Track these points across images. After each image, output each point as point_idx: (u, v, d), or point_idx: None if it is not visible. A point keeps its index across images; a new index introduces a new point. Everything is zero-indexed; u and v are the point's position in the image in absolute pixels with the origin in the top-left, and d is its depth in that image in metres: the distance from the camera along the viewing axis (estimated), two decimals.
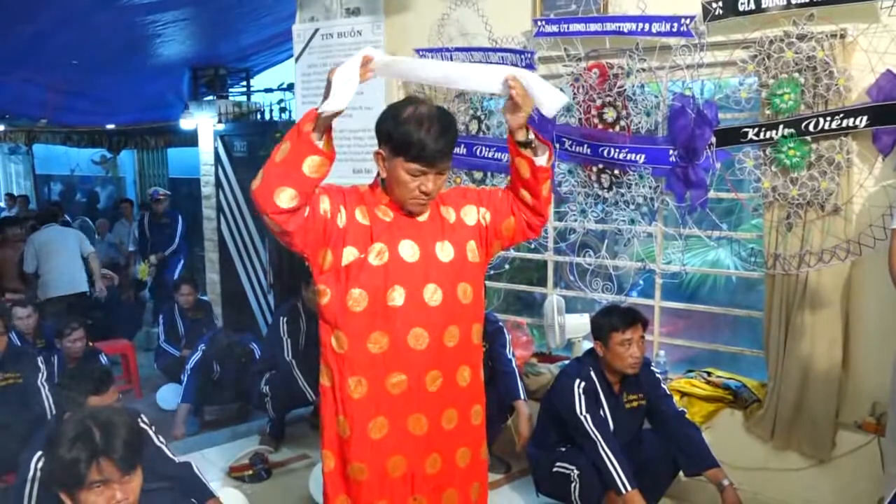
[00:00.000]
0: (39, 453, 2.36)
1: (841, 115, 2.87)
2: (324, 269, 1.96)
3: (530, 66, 3.64)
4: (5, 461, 3.19)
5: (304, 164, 1.83)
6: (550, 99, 1.96)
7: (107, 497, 1.73)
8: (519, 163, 2.01)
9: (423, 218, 2.01)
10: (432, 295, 1.96)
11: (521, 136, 1.97)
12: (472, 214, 2.08)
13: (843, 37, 2.85)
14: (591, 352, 3.10)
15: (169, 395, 5.09)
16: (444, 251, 2.00)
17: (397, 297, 1.93)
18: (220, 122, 6.86)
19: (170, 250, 7.19)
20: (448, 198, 2.10)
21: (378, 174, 2.01)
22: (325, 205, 1.93)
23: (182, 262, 7.27)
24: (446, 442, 2.04)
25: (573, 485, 2.92)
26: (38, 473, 2.38)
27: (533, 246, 3.97)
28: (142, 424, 2.47)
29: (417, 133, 1.84)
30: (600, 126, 3.51)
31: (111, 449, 1.72)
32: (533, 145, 1.98)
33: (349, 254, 1.93)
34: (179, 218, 7.38)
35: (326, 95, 1.82)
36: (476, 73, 2.02)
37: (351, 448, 1.96)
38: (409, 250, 1.96)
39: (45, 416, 3.38)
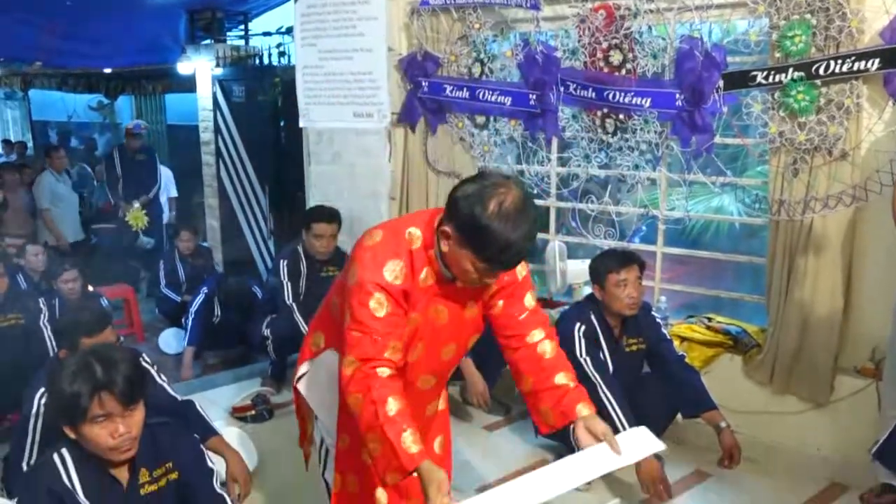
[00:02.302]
0: (42, 390, 2.38)
1: (852, 58, 2.81)
2: None
3: (535, 7, 3.56)
4: (9, 401, 3.22)
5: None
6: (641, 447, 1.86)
7: (109, 430, 1.73)
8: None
9: (462, 284, 1.84)
10: (448, 351, 1.96)
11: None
12: (504, 290, 1.94)
13: None
14: (591, 297, 3.11)
15: (171, 339, 5.11)
16: (470, 310, 1.93)
17: (416, 353, 1.88)
18: (217, 66, 6.74)
19: (154, 192, 6.81)
20: None
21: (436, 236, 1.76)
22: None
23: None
24: (427, 426, 2.13)
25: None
26: (42, 409, 2.40)
27: (536, 191, 3.94)
28: (143, 363, 2.47)
29: (503, 237, 1.60)
30: (606, 69, 3.44)
31: (112, 383, 1.72)
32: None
33: None
34: (155, 154, 7.08)
35: None
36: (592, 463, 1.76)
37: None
38: (439, 314, 1.87)
39: (47, 356, 3.40)
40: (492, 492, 1.67)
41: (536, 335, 1.96)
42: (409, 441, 1.60)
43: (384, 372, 1.69)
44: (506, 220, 1.60)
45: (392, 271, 1.74)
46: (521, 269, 1.95)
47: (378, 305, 1.72)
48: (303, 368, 2.11)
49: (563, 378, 1.90)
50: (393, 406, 1.64)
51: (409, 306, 1.79)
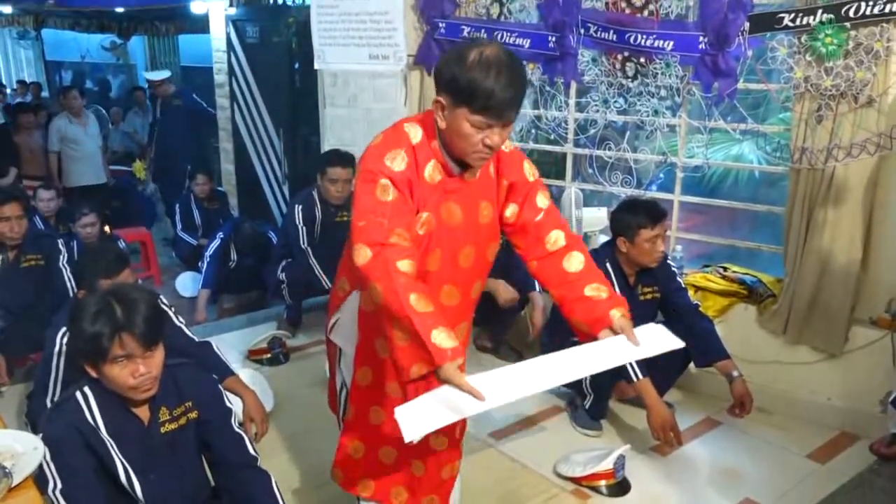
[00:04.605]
0: (64, 329, 2.42)
1: (884, 0, 2.71)
2: None
3: None
4: (31, 341, 3.28)
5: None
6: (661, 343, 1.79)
7: (130, 370, 1.76)
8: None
9: (471, 177, 1.86)
10: (466, 257, 1.93)
11: None
12: (515, 193, 1.94)
13: None
14: (607, 244, 3.09)
15: (188, 283, 5.16)
16: (485, 212, 1.92)
17: (434, 260, 1.87)
18: (231, 6, 6.62)
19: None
20: (504, 162, 1.94)
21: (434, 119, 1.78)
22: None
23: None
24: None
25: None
26: (64, 348, 2.45)
27: (552, 137, 3.89)
28: (161, 305, 2.49)
29: (485, 81, 1.65)
30: (628, 11, 3.35)
31: (132, 324, 1.73)
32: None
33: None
34: (194, 97, 6.99)
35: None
36: (605, 355, 1.73)
37: (388, 369, 1.97)
38: (452, 214, 1.85)
39: (67, 297, 3.44)
40: (503, 369, 1.65)
41: (558, 239, 1.92)
42: (441, 337, 1.57)
43: (403, 265, 1.64)
44: (487, 68, 1.65)
45: (393, 158, 1.76)
46: (531, 172, 1.96)
47: (383, 191, 1.74)
48: (334, 318, 2.10)
49: (591, 290, 1.85)
50: (418, 304, 1.60)
51: (417, 204, 1.79)
